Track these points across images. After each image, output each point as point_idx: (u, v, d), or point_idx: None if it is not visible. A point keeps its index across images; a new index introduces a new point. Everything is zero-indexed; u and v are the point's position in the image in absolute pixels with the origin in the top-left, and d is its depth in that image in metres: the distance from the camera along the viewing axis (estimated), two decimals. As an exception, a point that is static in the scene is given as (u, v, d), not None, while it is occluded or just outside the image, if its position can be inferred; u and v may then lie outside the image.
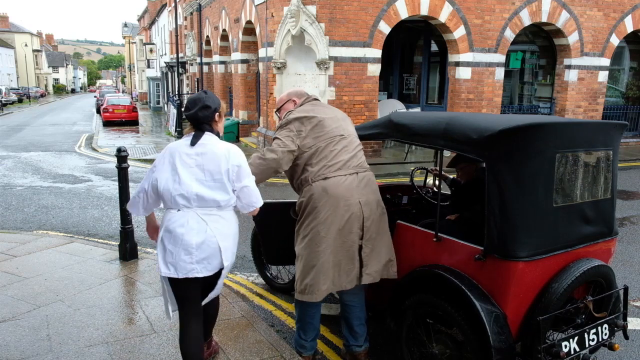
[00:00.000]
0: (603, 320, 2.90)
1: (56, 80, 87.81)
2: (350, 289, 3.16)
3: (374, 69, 11.75)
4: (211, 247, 2.65)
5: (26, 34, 70.15)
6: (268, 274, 4.74)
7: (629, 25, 14.06)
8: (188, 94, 24.24)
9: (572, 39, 13.40)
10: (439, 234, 3.05)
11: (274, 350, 3.39)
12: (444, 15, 12.03)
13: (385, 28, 11.65)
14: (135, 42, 50.62)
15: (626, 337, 3.07)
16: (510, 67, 14.21)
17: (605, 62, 14.02)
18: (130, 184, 5.13)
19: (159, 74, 36.13)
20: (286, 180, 10.28)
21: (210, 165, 2.65)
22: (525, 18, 12.78)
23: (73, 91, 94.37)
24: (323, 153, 3.09)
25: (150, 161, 12.00)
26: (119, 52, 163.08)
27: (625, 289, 3.05)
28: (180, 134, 17.14)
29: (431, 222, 3.49)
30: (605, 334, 2.88)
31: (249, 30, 14.85)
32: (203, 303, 2.85)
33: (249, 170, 2.78)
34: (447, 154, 3.80)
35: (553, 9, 12.94)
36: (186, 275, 2.65)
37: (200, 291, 2.81)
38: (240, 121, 16.15)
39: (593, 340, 2.82)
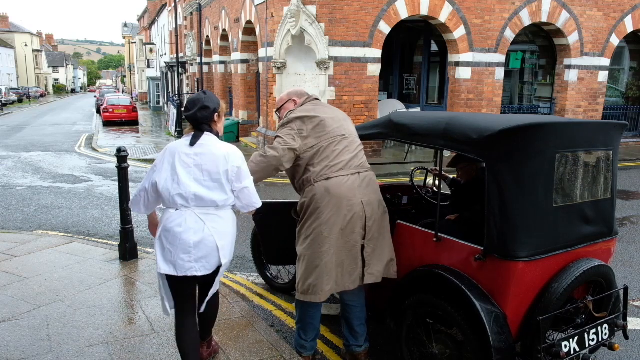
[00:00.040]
0: (603, 320, 2.90)
1: (56, 80, 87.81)
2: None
3: (374, 69, 11.75)
4: (209, 246, 2.68)
5: (26, 34, 70.15)
6: (268, 274, 4.74)
7: (629, 25, 14.06)
8: (188, 94, 24.25)
9: (572, 39, 13.40)
10: (439, 234, 3.05)
11: (274, 350, 3.39)
12: (444, 15, 12.03)
13: (385, 28, 11.65)
14: (135, 42, 50.62)
15: (626, 337, 3.07)
16: (510, 67, 14.21)
17: (605, 62, 14.02)
18: (130, 184, 5.13)
19: (159, 74, 36.13)
20: (286, 180, 10.28)
21: (209, 165, 2.67)
22: (525, 18, 12.78)
23: (73, 91, 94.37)
24: (325, 153, 3.09)
25: (150, 161, 12.01)
26: (119, 52, 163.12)
27: (625, 289, 3.05)
28: (180, 134, 17.15)
29: (431, 222, 3.49)
30: (605, 334, 2.88)
31: (249, 30, 14.85)
32: (205, 301, 2.88)
33: (249, 171, 2.80)
34: (447, 154, 3.80)
35: (553, 9, 12.94)
36: (185, 274, 2.68)
37: (195, 288, 2.85)
38: (240, 121, 16.15)
39: (593, 340, 2.82)
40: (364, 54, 11.54)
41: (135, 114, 24.79)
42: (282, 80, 11.81)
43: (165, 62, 30.02)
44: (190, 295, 2.86)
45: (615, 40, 13.99)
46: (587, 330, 2.81)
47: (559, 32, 13.39)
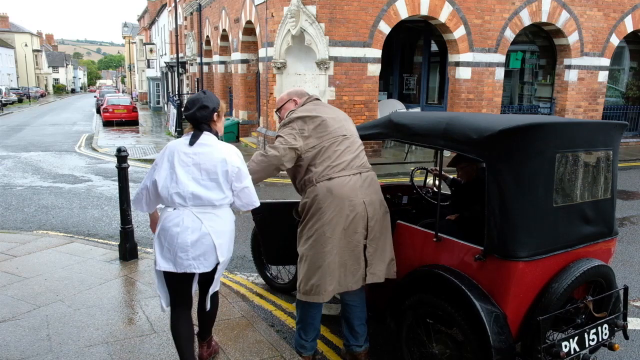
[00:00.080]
0: (603, 320, 2.90)
1: (56, 80, 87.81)
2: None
3: (374, 69, 11.75)
4: (206, 244, 2.71)
5: (26, 34, 70.14)
6: (268, 274, 4.74)
7: (629, 25, 14.06)
8: (188, 94, 24.25)
9: (572, 39, 13.40)
10: (439, 234, 3.05)
11: (274, 350, 3.39)
12: (444, 15, 12.03)
13: (385, 28, 11.65)
14: (135, 42, 50.62)
15: (626, 337, 3.07)
16: (510, 67, 14.21)
17: (605, 62, 14.02)
18: (130, 184, 5.13)
19: (159, 74, 36.12)
20: (286, 180, 10.28)
21: (207, 164, 2.70)
22: (525, 18, 12.78)
23: (73, 91, 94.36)
24: (327, 153, 3.09)
25: (150, 161, 12.01)
26: (119, 52, 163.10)
27: (625, 289, 3.05)
28: (180, 134, 17.13)
29: (431, 222, 3.49)
30: (605, 334, 2.88)
31: (249, 30, 14.85)
32: (207, 299, 2.92)
33: (247, 171, 2.84)
34: (447, 154, 3.80)
35: (553, 9, 12.94)
36: (185, 270, 2.72)
37: (192, 284, 2.89)
38: (240, 121, 16.15)
39: (593, 340, 2.82)
40: (364, 54, 11.54)
41: (135, 114, 24.79)
42: (282, 80, 11.81)
43: (165, 62, 30.02)
44: (187, 292, 2.90)
45: (615, 40, 13.99)
46: (587, 330, 2.81)
47: (559, 32, 13.39)
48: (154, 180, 2.75)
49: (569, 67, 13.68)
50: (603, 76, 14.12)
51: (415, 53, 15.38)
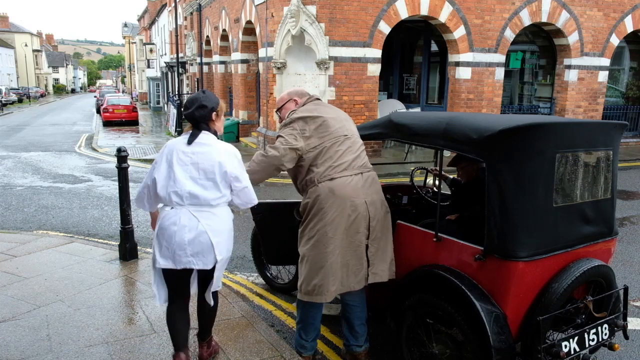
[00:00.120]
0: (603, 320, 2.90)
1: (56, 80, 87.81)
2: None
3: (374, 69, 11.75)
4: (203, 242, 2.74)
5: (26, 34, 70.14)
6: (268, 274, 4.74)
7: (629, 25, 14.06)
8: (188, 94, 24.24)
9: (572, 39, 13.40)
10: (439, 234, 3.05)
11: (274, 350, 3.39)
12: (444, 15, 12.03)
13: (385, 28, 11.65)
14: (135, 42, 50.62)
15: (626, 337, 3.07)
16: (510, 67, 14.21)
17: (605, 62, 14.02)
18: (130, 184, 5.13)
19: (159, 74, 36.12)
20: (286, 180, 10.27)
21: (205, 163, 2.73)
22: (525, 18, 12.78)
23: (73, 91, 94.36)
24: (328, 153, 3.09)
25: (150, 161, 12.00)
26: (119, 52, 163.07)
27: (625, 289, 3.05)
28: (180, 134, 17.14)
29: (431, 222, 3.49)
30: (605, 334, 2.88)
31: (249, 30, 14.85)
32: (206, 297, 2.96)
33: (244, 170, 2.88)
34: (447, 154, 3.80)
35: (553, 9, 12.94)
36: (184, 267, 2.77)
37: (190, 279, 2.97)
38: (240, 121, 16.15)
39: (593, 340, 2.82)
40: (364, 54, 11.54)
41: (135, 114, 24.79)
42: (282, 80, 11.81)
43: (165, 62, 30.01)
44: (186, 287, 2.98)
45: (615, 40, 13.99)
46: (587, 330, 2.81)
47: (559, 32, 13.39)
48: (153, 178, 2.78)
49: (569, 67, 13.68)
50: (603, 76, 14.12)
51: (415, 53, 15.38)
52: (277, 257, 4.13)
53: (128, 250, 5.05)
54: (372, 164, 3.37)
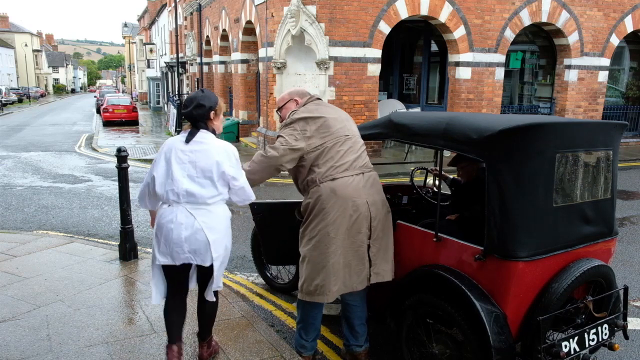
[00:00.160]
0: (603, 320, 2.90)
1: (56, 80, 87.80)
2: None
3: (374, 69, 11.75)
4: (200, 240, 2.77)
5: (26, 34, 70.14)
6: (268, 274, 4.74)
7: (629, 25, 14.06)
8: (188, 94, 24.22)
9: (572, 39, 13.40)
10: (439, 234, 3.05)
11: (274, 350, 3.39)
12: (444, 15, 12.03)
13: (385, 28, 11.65)
14: (135, 42, 50.62)
15: (626, 337, 3.07)
16: (510, 67, 14.21)
17: (605, 62, 14.02)
18: (130, 184, 5.13)
19: (159, 74, 36.12)
20: (286, 180, 10.26)
21: (202, 162, 2.76)
22: (525, 18, 12.78)
23: (73, 91, 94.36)
24: (330, 154, 3.09)
25: (150, 161, 11.98)
26: (119, 52, 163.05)
27: (625, 289, 3.05)
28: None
29: (431, 222, 3.49)
30: (605, 334, 2.88)
31: (249, 30, 14.85)
32: (206, 296, 2.99)
33: (241, 168, 2.92)
34: (447, 154, 3.80)
35: (553, 9, 12.94)
36: (183, 262, 2.82)
37: (188, 275, 3.01)
38: (240, 121, 16.15)
39: (593, 340, 2.82)
40: (364, 54, 11.54)
41: (135, 114, 24.80)
42: (282, 80, 11.81)
43: (165, 62, 30.01)
44: (185, 282, 3.03)
45: (615, 40, 13.99)
46: (587, 330, 2.81)
47: (559, 32, 13.39)
48: (152, 176, 2.82)
49: (569, 67, 13.68)
50: (603, 76, 14.12)
51: (415, 53, 15.38)
52: (277, 257, 4.13)
53: (128, 250, 5.05)
54: (372, 164, 3.38)
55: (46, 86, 76.58)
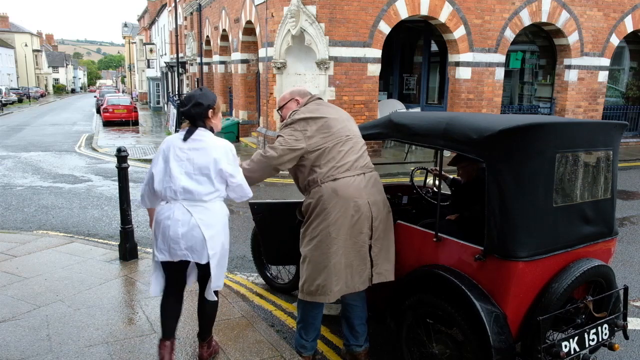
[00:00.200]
0: (603, 320, 2.90)
1: (56, 80, 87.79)
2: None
3: (374, 69, 11.75)
4: (196, 236, 2.81)
5: (26, 34, 70.14)
6: (268, 274, 4.74)
7: (629, 25, 14.07)
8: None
9: (572, 39, 13.40)
10: (439, 234, 3.05)
11: (274, 350, 3.39)
12: (444, 15, 12.03)
13: (385, 28, 11.65)
14: (135, 42, 50.62)
15: (626, 337, 3.07)
16: (510, 67, 14.21)
17: (605, 62, 14.02)
18: (130, 184, 5.13)
19: (159, 74, 36.12)
20: (286, 180, 10.25)
21: (200, 159, 2.80)
22: (525, 18, 12.78)
23: (73, 91, 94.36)
24: (331, 154, 3.08)
25: (150, 161, 11.99)
26: (119, 52, 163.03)
27: (625, 289, 3.05)
28: (180, 134, 17.15)
29: (431, 222, 3.49)
30: (605, 334, 2.88)
31: (249, 30, 14.85)
32: (206, 295, 3.01)
33: (238, 165, 2.95)
34: (447, 154, 3.80)
35: (553, 9, 12.94)
36: (180, 259, 2.86)
37: (186, 271, 3.05)
38: (240, 121, 16.15)
39: (593, 340, 2.82)
40: (364, 54, 11.54)
41: (136, 114, 24.79)
42: (282, 80, 11.81)
43: (165, 62, 30.02)
44: (182, 279, 3.07)
45: (615, 40, 13.99)
46: (587, 330, 2.81)
47: (559, 32, 13.39)
48: (151, 173, 2.87)
49: (569, 67, 13.68)
50: (603, 76, 14.12)
51: (415, 53, 15.38)
52: (277, 257, 4.13)
53: (128, 250, 5.05)
54: (372, 164, 3.38)
55: (46, 86, 76.58)
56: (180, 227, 2.79)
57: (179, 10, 21.56)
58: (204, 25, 20.61)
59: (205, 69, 21.14)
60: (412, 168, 4.67)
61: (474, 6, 12.23)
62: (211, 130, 2.91)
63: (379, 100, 12.33)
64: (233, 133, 15.59)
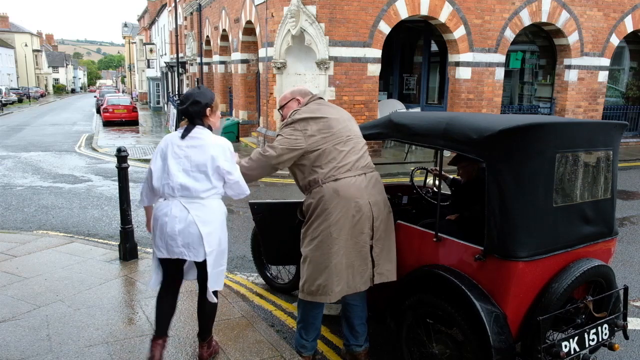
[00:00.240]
0: (603, 320, 2.90)
1: (56, 80, 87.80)
2: None
3: (374, 69, 11.75)
4: (192, 233, 2.83)
5: (26, 34, 70.14)
6: (268, 274, 4.74)
7: (629, 25, 14.07)
8: (188, 93, 24.17)
9: (572, 39, 13.40)
10: (439, 234, 3.05)
11: (274, 350, 3.39)
12: (444, 15, 12.03)
13: (385, 28, 11.65)
14: (135, 42, 50.63)
15: (626, 337, 3.07)
16: (510, 67, 14.21)
17: (605, 62, 14.02)
18: (130, 184, 5.12)
19: (159, 74, 36.12)
20: (286, 180, 10.23)
21: (197, 157, 2.84)
22: (525, 18, 12.78)
23: (73, 91, 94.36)
24: (332, 154, 3.08)
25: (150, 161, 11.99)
26: (119, 52, 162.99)
27: (625, 289, 3.05)
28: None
29: (431, 222, 3.49)
30: (605, 334, 2.88)
31: (249, 30, 14.85)
32: (207, 297, 3.00)
33: (235, 163, 2.98)
34: (447, 154, 3.80)
35: (553, 9, 12.94)
36: (177, 257, 2.89)
37: (182, 270, 3.09)
38: (240, 121, 16.15)
39: (593, 340, 2.82)
40: (364, 54, 11.54)
41: (135, 114, 24.79)
42: (282, 80, 11.81)
43: (165, 62, 30.02)
44: (179, 276, 3.11)
45: (615, 40, 13.99)
46: (587, 330, 2.81)
47: (559, 32, 13.39)
48: (150, 170, 2.91)
49: (569, 67, 13.68)
50: (603, 76, 14.12)
51: (415, 53, 15.38)
52: (277, 257, 4.13)
53: (128, 250, 5.05)
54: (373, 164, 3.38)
55: (46, 86, 76.58)
56: (177, 224, 2.82)
57: (179, 10, 21.57)
58: (204, 25, 20.61)
59: (205, 69, 21.14)
60: (412, 168, 4.67)
61: (474, 6, 12.23)
62: (209, 128, 2.93)
63: (379, 100, 12.33)
64: (233, 133, 15.60)
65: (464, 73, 12.53)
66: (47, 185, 9.68)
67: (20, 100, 47.60)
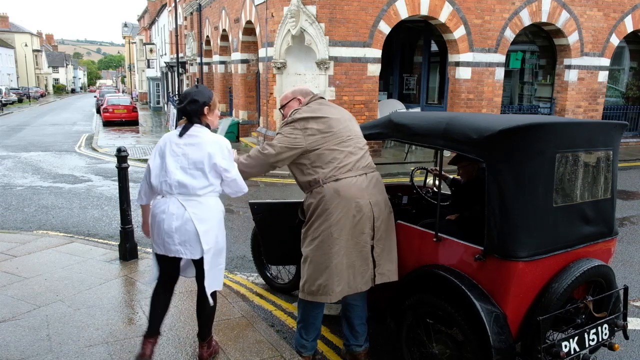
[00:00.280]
0: (603, 320, 2.90)
1: (56, 80, 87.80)
2: None
3: (374, 69, 11.75)
4: (189, 230, 2.85)
5: (26, 34, 70.14)
6: (268, 274, 4.74)
7: (629, 25, 14.07)
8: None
9: (572, 39, 13.40)
10: (439, 234, 3.05)
11: (274, 350, 3.39)
12: (444, 15, 12.03)
13: (385, 28, 11.65)
14: (135, 42, 50.63)
15: (626, 337, 3.07)
16: (510, 67, 14.21)
17: (605, 62, 14.02)
18: (131, 184, 5.13)
19: (159, 74, 36.13)
20: (286, 180, 10.22)
21: (195, 154, 2.85)
22: (525, 18, 12.78)
23: (73, 91, 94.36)
24: (333, 154, 3.08)
25: (150, 161, 11.98)
26: (119, 52, 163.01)
27: (625, 289, 3.05)
28: (180, 134, 17.15)
29: (431, 222, 3.49)
30: (605, 334, 2.88)
31: (249, 30, 14.85)
32: (208, 295, 3.00)
33: (233, 161, 2.99)
34: (447, 153, 3.80)
35: (553, 9, 12.94)
36: (173, 255, 2.92)
37: (179, 268, 3.12)
38: (240, 121, 16.15)
39: (593, 340, 2.82)
40: (364, 54, 11.54)
41: (135, 114, 24.80)
42: (282, 80, 11.82)
43: (165, 62, 30.02)
44: (175, 273, 3.14)
45: (615, 40, 13.99)
46: (587, 330, 2.81)
47: (559, 32, 13.39)
48: (149, 167, 2.94)
49: (569, 67, 13.69)
50: (603, 76, 14.12)
51: (415, 53, 15.38)
52: (277, 257, 4.12)
53: (128, 250, 5.05)
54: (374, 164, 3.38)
55: (46, 86, 76.59)
56: (174, 221, 2.84)
57: (179, 10, 21.57)
58: (204, 25, 20.61)
59: (205, 69, 21.14)
60: (412, 168, 4.67)
61: (474, 6, 12.23)
62: (207, 126, 2.95)
63: (379, 100, 12.33)
64: (233, 133, 15.60)
65: (464, 73, 12.53)
66: (47, 185, 9.68)
67: (20, 100, 47.60)
